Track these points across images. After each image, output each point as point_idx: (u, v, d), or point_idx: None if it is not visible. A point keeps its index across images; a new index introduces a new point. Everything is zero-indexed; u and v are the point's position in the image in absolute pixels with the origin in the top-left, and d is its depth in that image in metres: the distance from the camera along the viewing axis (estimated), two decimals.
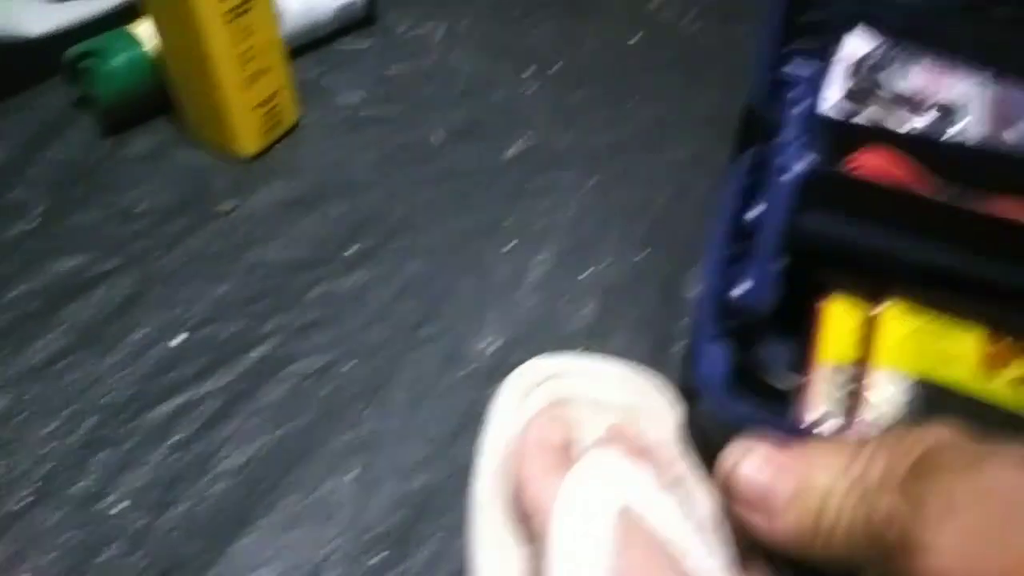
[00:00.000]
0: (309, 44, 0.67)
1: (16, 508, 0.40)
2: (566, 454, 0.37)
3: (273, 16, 0.54)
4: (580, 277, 0.52)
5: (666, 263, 0.53)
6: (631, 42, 0.71)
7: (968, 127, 0.44)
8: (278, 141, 0.59)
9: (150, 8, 0.52)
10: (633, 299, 0.51)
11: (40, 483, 0.41)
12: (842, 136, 0.42)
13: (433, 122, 0.62)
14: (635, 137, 0.61)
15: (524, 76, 0.66)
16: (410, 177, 0.58)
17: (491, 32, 0.70)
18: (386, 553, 0.39)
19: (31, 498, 0.40)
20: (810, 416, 0.39)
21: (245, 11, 0.51)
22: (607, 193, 0.57)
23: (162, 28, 0.53)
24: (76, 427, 0.43)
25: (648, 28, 0.72)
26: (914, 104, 0.44)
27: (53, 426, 0.43)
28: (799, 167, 0.41)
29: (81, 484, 0.41)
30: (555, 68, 0.67)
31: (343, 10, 0.67)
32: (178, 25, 0.51)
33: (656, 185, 0.58)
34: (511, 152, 0.60)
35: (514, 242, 0.54)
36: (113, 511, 0.40)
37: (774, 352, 0.43)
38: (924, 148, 0.41)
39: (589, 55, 0.68)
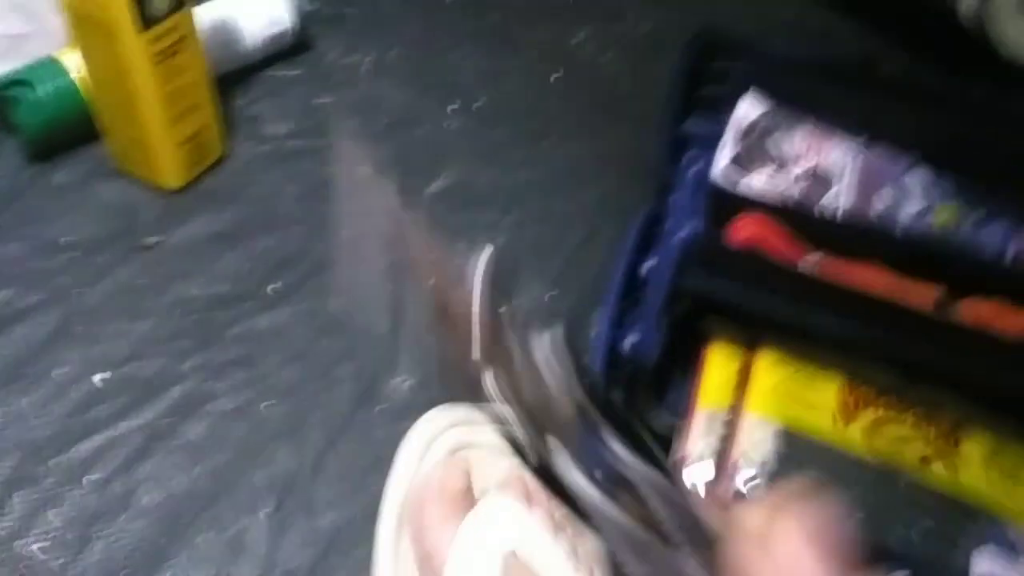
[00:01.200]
0: (239, 71, 0.68)
1: None
2: (466, 499, 0.40)
3: (201, 56, 0.56)
4: None
5: (575, 303, 0.56)
6: (552, 78, 0.74)
7: (840, 193, 0.48)
8: (205, 172, 0.61)
9: (79, 43, 0.53)
10: None
11: None
12: (726, 201, 0.46)
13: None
14: (551, 176, 0.65)
15: (449, 110, 0.69)
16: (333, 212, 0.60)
17: (419, 63, 0.73)
18: None
19: None
20: (685, 458, 0.43)
21: (174, 53, 0.53)
22: (522, 232, 0.60)
23: (90, 63, 0.54)
24: None
25: (569, 64, 0.75)
26: (793, 169, 0.48)
27: None
28: (685, 231, 0.45)
29: (0, 524, 0.43)
30: (479, 103, 0.70)
31: (273, 40, 0.68)
32: (106, 63, 0.52)
33: (569, 225, 0.61)
34: (432, 188, 0.63)
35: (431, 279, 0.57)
36: (31, 549, 0.42)
37: (664, 395, 0.47)
38: (796, 217, 0.45)
39: (512, 91, 0.71)
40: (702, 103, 0.55)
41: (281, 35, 0.69)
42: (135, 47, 0.50)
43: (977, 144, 0.51)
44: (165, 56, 0.52)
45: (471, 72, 0.73)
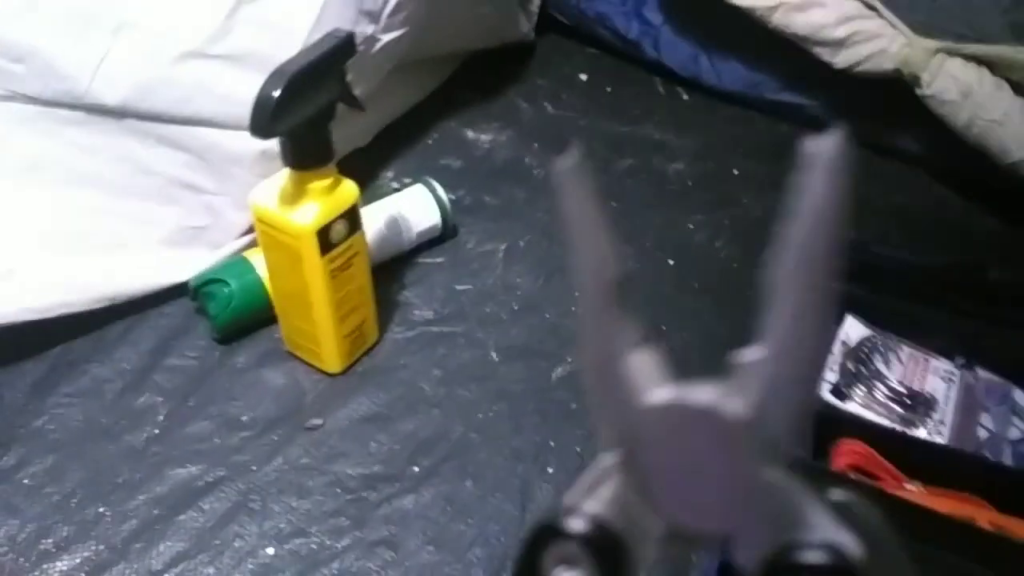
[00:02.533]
0: (393, 260, 0.78)
1: None
2: None
3: (367, 265, 0.65)
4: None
5: None
6: (670, 262, 0.80)
7: (942, 419, 0.51)
8: (361, 357, 0.70)
9: (266, 253, 0.64)
10: None
11: None
12: (828, 424, 0.50)
13: (492, 339, 0.72)
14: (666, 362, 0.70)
15: (574, 295, 0.76)
16: (471, 395, 0.67)
17: (547, 249, 0.81)
18: None
19: None
20: None
21: (347, 267, 0.63)
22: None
23: (273, 271, 0.65)
24: None
25: (683, 249, 0.81)
26: (895, 393, 0.52)
27: None
28: None
29: None
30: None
31: (424, 234, 0.78)
32: (289, 274, 0.62)
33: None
34: (558, 372, 0.70)
35: (552, 467, 0.63)
36: None
37: None
38: (896, 444, 0.49)
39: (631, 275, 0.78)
40: None
41: (432, 229, 0.78)
42: (316, 267, 0.60)
43: None
44: (339, 271, 0.62)
45: None
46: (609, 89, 1.04)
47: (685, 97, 1.03)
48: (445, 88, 0.99)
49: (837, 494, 0.25)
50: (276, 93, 0.51)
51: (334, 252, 0.60)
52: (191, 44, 0.71)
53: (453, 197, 0.83)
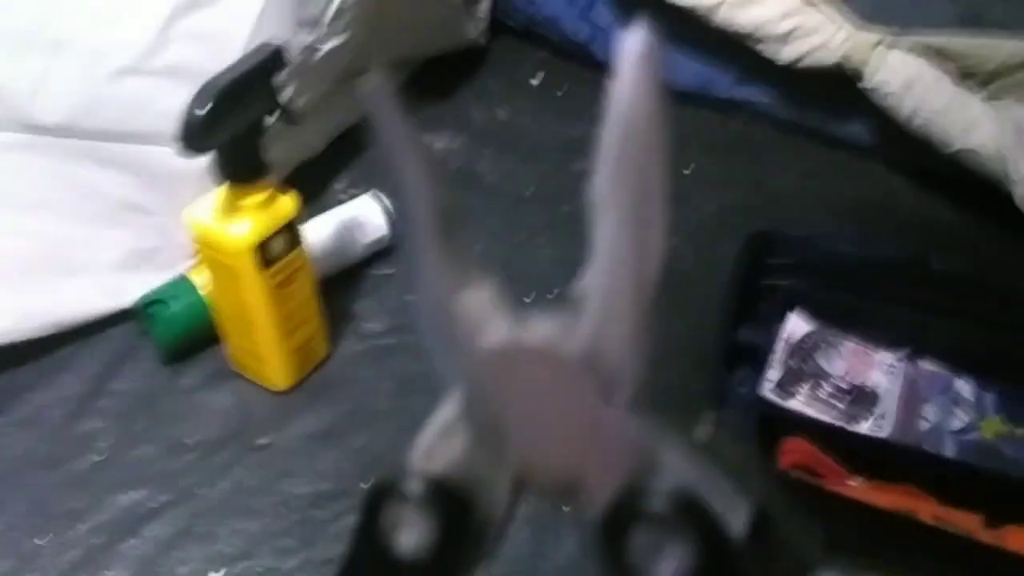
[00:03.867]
0: (342, 272, 0.77)
1: None
2: None
3: (312, 279, 0.65)
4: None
5: None
6: None
7: (885, 412, 0.51)
8: (311, 372, 0.69)
9: (207, 272, 0.63)
10: None
11: None
12: (772, 422, 0.50)
13: None
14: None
15: (527, 301, 0.76)
16: (423, 408, 0.67)
17: (501, 255, 0.80)
18: None
19: None
20: None
21: (289, 283, 0.62)
22: None
23: (215, 289, 0.64)
24: None
25: None
26: (838, 388, 0.52)
27: None
28: None
29: None
30: (552, 295, 0.76)
31: (373, 244, 0.77)
32: (230, 293, 0.61)
33: None
34: None
35: None
36: None
37: None
38: (839, 440, 0.48)
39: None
40: (755, 312, 0.59)
41: (380, 240, 0.77)
42: (255, 284, 0.59)
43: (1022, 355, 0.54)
44: (281, 287, 0.61)
45: (547, 262, 0.80)
46: (561, 92, 1.04)
47: None
48: (397, 95, 0.98)
49: (700, 433, 0.24)
50: (202, 110, 0.50)
51: (274, 268, 0.59)
52: (127, 60, 0.70)
53: None
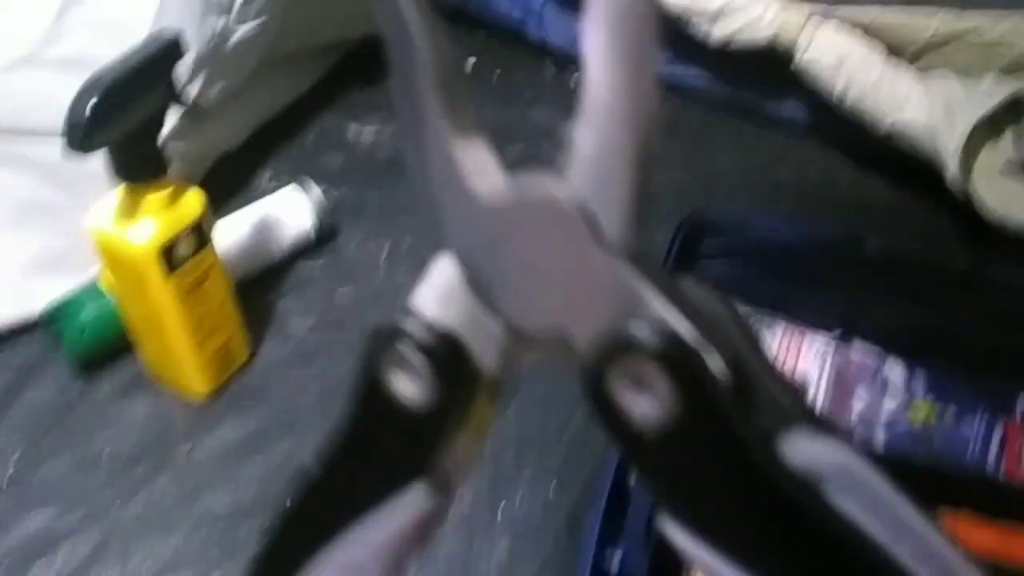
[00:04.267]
0: (264, 269, 0.74)
1: None
2: None
3: (225, 279, 0.61)
4: (496, 515, 0.58)
5: (579, 496, 0.58)
6: None
7: (815, 398, 0.50)
8: (232, 376, 0.66)
9: (113, 277, 0.59)
10: (543, 537, 0.56)
11: None
12: None
13: None
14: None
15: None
16: None
17: (432, 248, 0.78)
18: None
19: None
20: None
21: (199, 285, 0.58)
22: (524, 418, 0.63)
23: (122, 295, 0.60)
24: None
25: None
26: None
27: None
28: None
29: None
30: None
31: (296, 240, 0.74)
32: (137, 299, 0.58)
33: (572, 410, 0.64)
34: None
35: None
36: None
37: None
38: None
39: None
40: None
41: (306, 233, 0.74)
42: (162, 288, 0.56)
43: (952, 334, 0.53)
44: (191, 289, 0.58)
45: None
46: (497, 72, 1.01)
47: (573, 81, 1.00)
48: (326, 81, 0.95)
49: (687, 286, 0.24)
50: (87, 107, 0.47)
51: (182, 270, 0.56)
52: (20, 51, 0.66)
53: (335, 194, 0.80)
